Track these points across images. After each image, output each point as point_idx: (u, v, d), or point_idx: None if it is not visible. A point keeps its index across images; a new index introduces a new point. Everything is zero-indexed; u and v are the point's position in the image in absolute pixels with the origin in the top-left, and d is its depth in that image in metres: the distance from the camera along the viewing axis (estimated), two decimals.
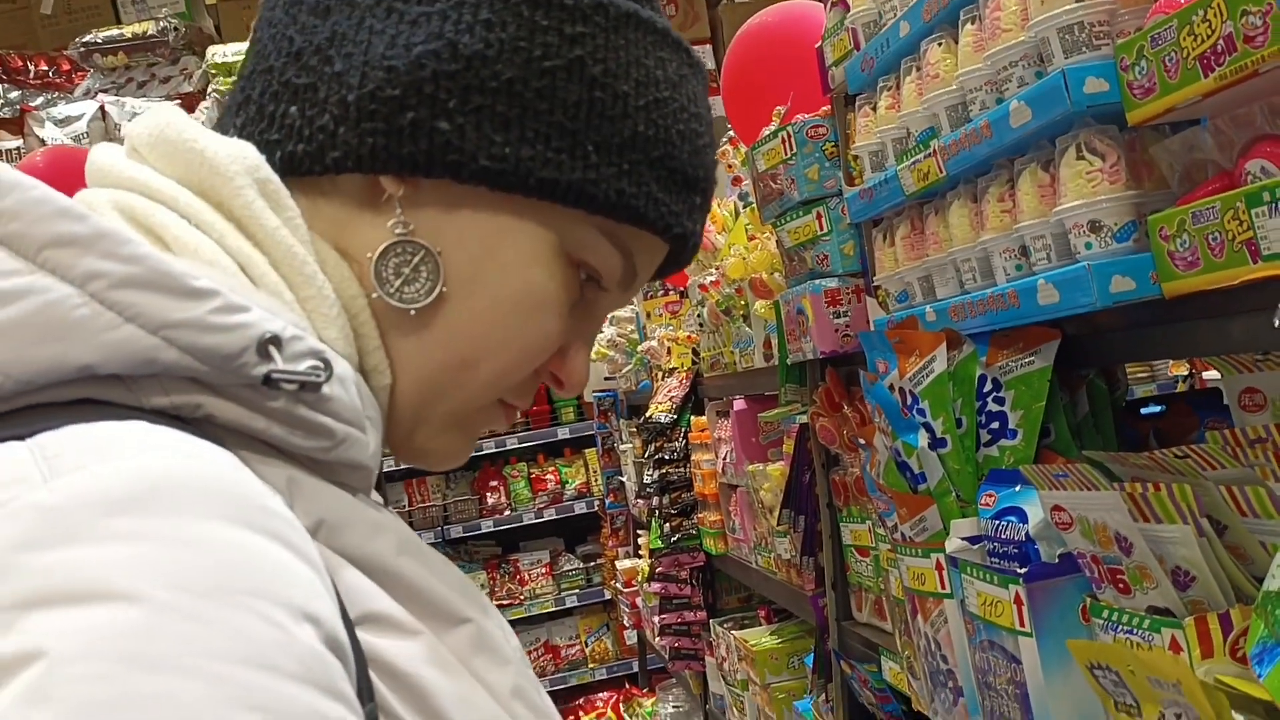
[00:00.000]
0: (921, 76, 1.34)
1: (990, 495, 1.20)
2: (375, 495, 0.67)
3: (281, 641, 0.45)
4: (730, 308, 2.43)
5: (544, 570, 5.81)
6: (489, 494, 5.80)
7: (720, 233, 2.67)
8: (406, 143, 0.64)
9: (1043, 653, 1.05)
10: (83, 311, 0.50)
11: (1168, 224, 0.93)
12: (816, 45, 1.74)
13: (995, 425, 1.26)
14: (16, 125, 4.28)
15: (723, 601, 3.23)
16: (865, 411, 1.57)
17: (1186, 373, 3.51)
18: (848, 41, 1.60)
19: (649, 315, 3.80)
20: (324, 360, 0.56)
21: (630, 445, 3.99)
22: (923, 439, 1.29)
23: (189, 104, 4.19)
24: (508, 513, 5.76)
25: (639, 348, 3.83)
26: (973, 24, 1.20)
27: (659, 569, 3.22)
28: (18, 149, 4.04)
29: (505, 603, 5.61)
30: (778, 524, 2.21)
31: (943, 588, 1.26)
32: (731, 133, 2.78)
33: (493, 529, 5.73)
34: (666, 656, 3.41)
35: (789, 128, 1.83)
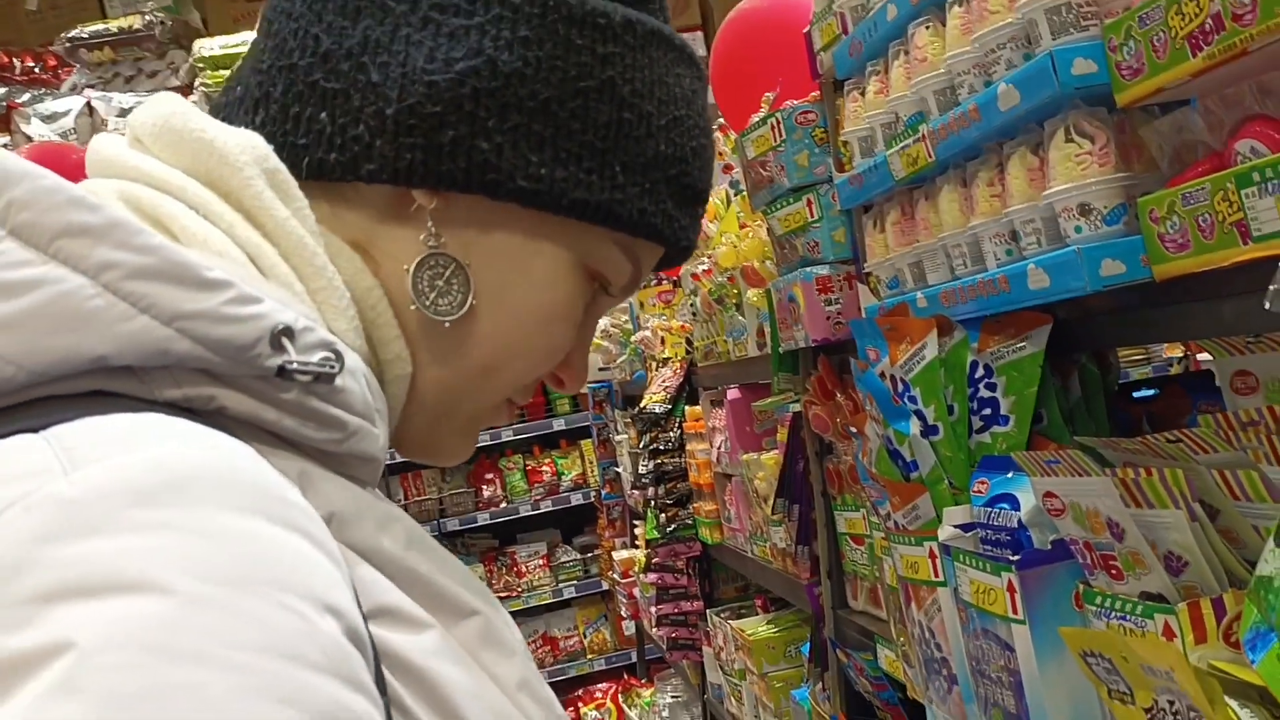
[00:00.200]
0: (909, 60, 1.32)
1: (983, 482, 1.20)
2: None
3: (305, 632, 0.45)
4: (723, 296, 2.42)
5: (541, 562, 5.81)
6: (485, 487, 5.80)
7: (712, 221, 2.66)
8: (445, 160, 0.64)
9: (1036, 640, 1.04)
10: (97, 302, 0.49)
11: (1158, 206, 0.92)
12: (805, 30, 1.73)
13: (987, 412, 1.25)
14: (3, 122, 4.26)
15: (719, 591, 3.24)
16: (858, 399, 1.56)
17: (1181, 355, 3.51)
18: (836, 26, 1.59)
19: (642, 305, 3.78)
20: (335, 352, 0.56)
21: (625, 436, 3.98)
22: (914, 426, 1.28)
23: None
24: (504, 505, 5.76)
25: (633, 338, 3.82)
26: (960, 6, 1.19)
27: (655, 559, 3.22)
28: (4, 146, 4.02)
29: (503, 595, 5.61)
30: (772, 513, 2.20)
31: (936, 576, 1.25)
32: (721, 120, 2.77)
33: (489, 522, 5.73)
34: (664, 647, 3.42)
35: (778, 114, 1.82)
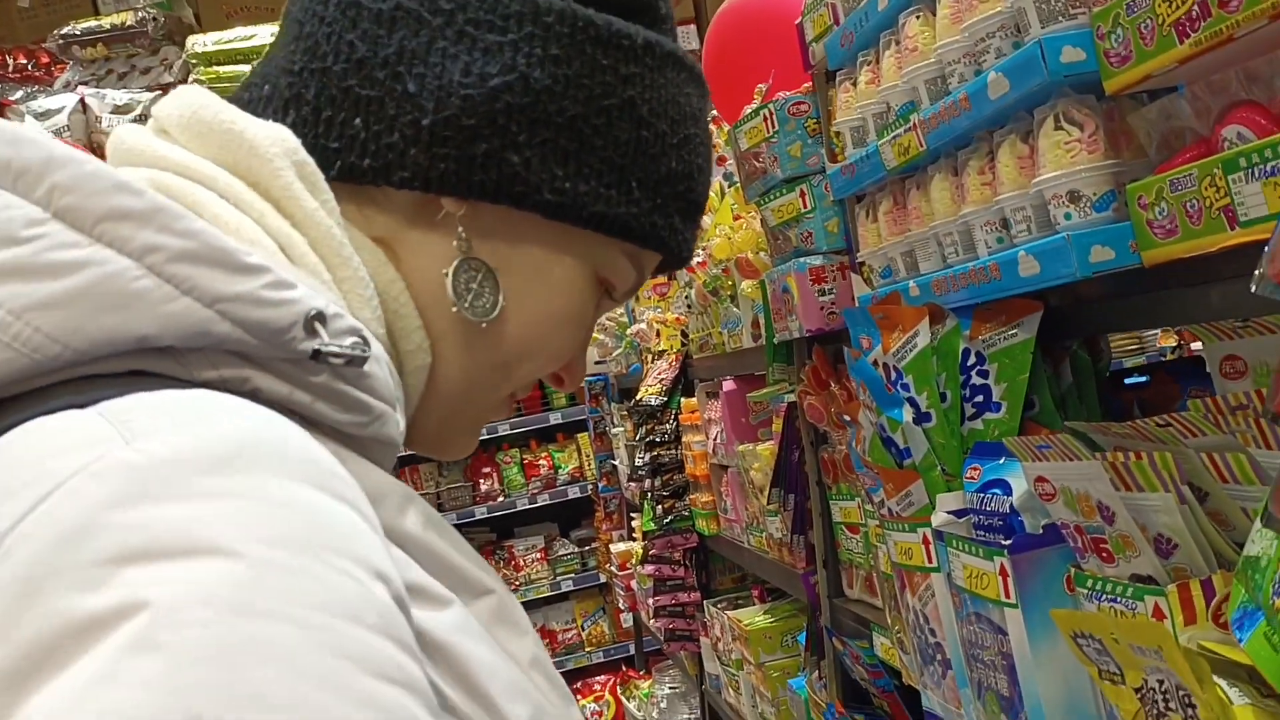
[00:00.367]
0: (900, 50, 1.33)
1: (975, 468, 1.21)
2: None
3: (363, 596, 0.47)
4: (717, 288, 2.43)
5: (539, 555, 5.81)
6: (482, 481, 5.80)
7: (706, 213, 2.66)
8: (477, 171, 0.67)
9: (1028, 624, 1.05)
10: (144, 283, 0.51)
11: (1146, 192, 0.92)
12: (797, 21, 1.73)
13: (979, 399, 1.26)
14: None
15: (716, 582, 3.24)
16: (852, 388, 1.56)
17: (1175, 344, 3.52)
18: (827, 17, 1.60)
19: (637, 298, 3.79)
20: (363, 338, 0.58)
21: (622, 429, 3.99)
22: (907, 414, 1.29)
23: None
24: (501, 499, 5.76)
25: (628, 331, 3.82)
26: None
27: (652, 551, 3.22)
28: None
29: None
30: (768, 503, 2.21)
31: (929, 562, 1.26)
32: (714, 112, 2.77)
33: (487, 515, 5.73)
34: (662, 638, 3.42)
35: (771, 105, 1.83)
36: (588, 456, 5.64)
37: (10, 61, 4.61)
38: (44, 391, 0.51)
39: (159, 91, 4.12)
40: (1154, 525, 0.89)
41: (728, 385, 2.56)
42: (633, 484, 3.59)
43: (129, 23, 4.37)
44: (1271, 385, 0.66)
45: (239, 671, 0.42)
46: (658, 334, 3.24)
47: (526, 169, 0.68)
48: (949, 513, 1.22)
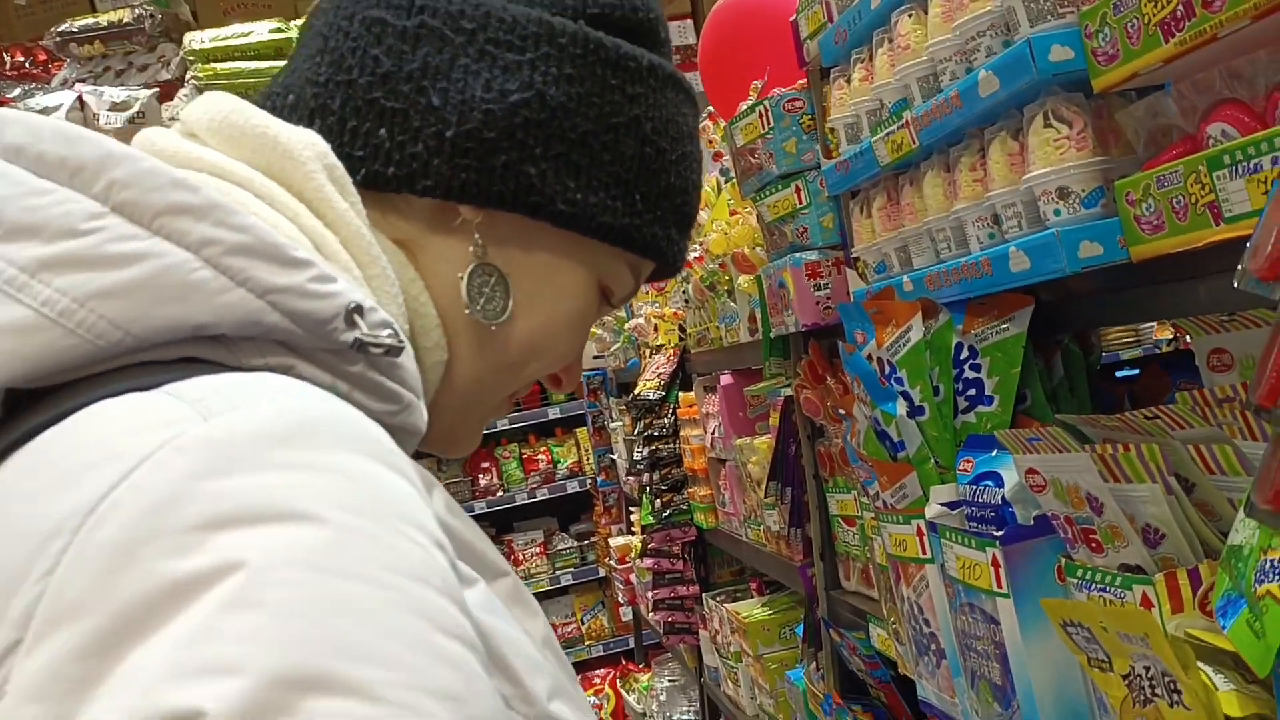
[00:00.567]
0: (893, 48, 1.34)
1: (968, 461, 1.22)
2: None
3: (428, 561, 0.51)
4: (714, 283, 2.44)
5: (538, 550, 5.83)
6: (481, 475, 5.81)
7: (703, 208, 2.67)
8: (496, 181, 0.71)
9: (1020, 613, 1.07)
10: (202, 274, 0.54)
11: (1133, 189, 0.94)
12: (791, 19, 1.74)
13: (972, 392, 1.27)
14: None
15: (715, 575, 3.26)
16: (847, 382, 1.58)
17: (1171, 336, 3.53)
18: (822, 14, 1.61)
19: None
20: (394, 331, 0.61)
21: (620, 423, 4.00)
22: (901, 407, 1.31)
23: (168, 91, 4.16)
24: (500, 494, 5.78)
25: (626, 325, 3.84)
26: None
27: (651, 545, 3.24)
28: None
29: None
30: (765, 496, 2.22)
31: (924, 553, 1.28)
32: (710, 108, 2.78)
33: (486, 510, 5.74)
34: (661, 631, 3.44)
35: (766, 102, 1.84)
36: (586, 451, 5.66)
37: (8, 59, 4.61)
38: (100, 377, 0.53)
39: (156, 89, 4.12)
40: (1142, 516, 0.91)
41: (725, 379, 2.58)
42: (631, 478, 3.60)
43: (126, 20, 4.36)
44: (1255, 378, 0.68)
45: (331, 626, 0.45)
46: (655, 329, 3.26)
47: (542, 180, 0.72)
48: (942, 504, 1.23)
